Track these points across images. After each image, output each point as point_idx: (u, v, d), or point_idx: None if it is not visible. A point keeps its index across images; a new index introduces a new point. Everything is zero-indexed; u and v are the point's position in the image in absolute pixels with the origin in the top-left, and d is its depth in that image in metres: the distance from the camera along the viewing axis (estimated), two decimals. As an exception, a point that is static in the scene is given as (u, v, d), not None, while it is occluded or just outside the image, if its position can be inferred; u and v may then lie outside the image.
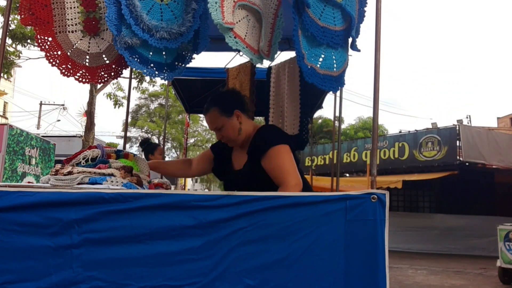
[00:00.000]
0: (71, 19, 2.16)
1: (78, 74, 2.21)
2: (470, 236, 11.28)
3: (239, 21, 1.91)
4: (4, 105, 31.55)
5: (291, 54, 3.75)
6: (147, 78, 12.15)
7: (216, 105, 2.19)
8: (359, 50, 2.10)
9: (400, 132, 13.83)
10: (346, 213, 1.60)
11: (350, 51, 2.13)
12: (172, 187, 4.12)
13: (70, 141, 14.25)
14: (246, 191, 2.02)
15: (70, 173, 1.87)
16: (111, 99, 12.41)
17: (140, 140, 5.29)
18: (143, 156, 4.66)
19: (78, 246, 1.60)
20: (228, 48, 2.11)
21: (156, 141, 24.29)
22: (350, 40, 2.08)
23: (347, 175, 14.64)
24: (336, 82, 2.04)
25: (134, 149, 26.52)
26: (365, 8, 2.15)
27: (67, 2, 2.15)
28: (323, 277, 1.58)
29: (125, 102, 12.04)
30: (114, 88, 12.46)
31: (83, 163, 1.99)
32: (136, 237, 1.60)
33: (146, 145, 4.78)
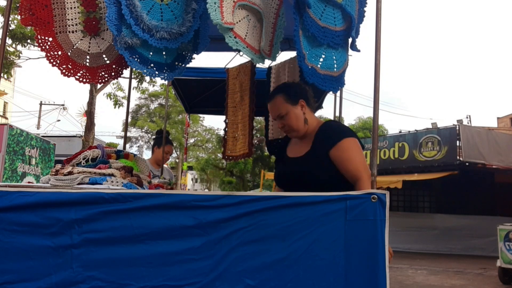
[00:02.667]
0: (72, 19, 2.16)
1: (78, 74, 2.21)
2: (470, 236, 11.28)
3: (239, 21, 1.91)
4: (4, 105, 31.56)
5: (292, 54, 3.75)
6: (147, 78, 12.17)
7: (282, 92, 2.17)
8: (358, 50, 2.10)
9: (400, 132, 13.83)
10: (346, 213, 1.60)
11: (350, 51, 2.13)
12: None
13: (70, 141, 14.26)
14: (299, 179, 2.06)
15: (70, 173, 1.87)
16: (111, 99, 12.42)
17: (157, 131, 5.09)
18: (151, 145, 4.57)
19: (78, 246, 1.60)
20: (228, 48, 2.12)
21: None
22: (350, 40, 2.08)
23: (347, 175, 14.60)
24: (336, 82, 2.04)
25: (134, 149, 26.53)
26: (365, 9, 2.15)
27: (67, 2, 2.15)
28: (323, 277, 1.58)
29: (125, 102, 12.04)
30: (114, 88, 12.47)
31: (83, 163, 1.99)
32: (136, 237, 1.60)
33: (160, 136, 4.59)
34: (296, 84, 2.32)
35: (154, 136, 4.82)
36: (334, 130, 2.08)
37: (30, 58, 11.85)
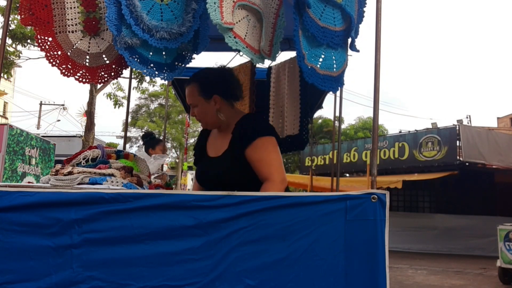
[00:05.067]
0: (71, 19, 2.16)
1: (78, 74, 2.21)
2: (470, 236, 11.27)
3: (239, 21, 1.91)
4: (4, 105, 31.56)
5: (292, 54, 3.75)
6: (147, 78, 12.16)
7: (198, 82, 2.12)
8: (358, 51, 2.10)
9: (400, 132, 13.84)
10: (346, 213, 1.60)
11: (350, 51, 2.13)
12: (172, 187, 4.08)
13: (70, 141, 14.29)
14: (218, 180, 2.02)
15: (70, 173, 1.87)
16: (111, 99, 12.42)
17: (142, 135, 5.20)
18: (143, 150, 4.59)
19: (78, 246, 1.60)
20: (228, 48, 2.12)
21: (156, 141, 24.18)
22: (349, 40, 2.08)
23: (347, 175, 14.64)
24: (336, 82, 2.04)
25: (134, 149, 26.53)
26: (364, 9, 2.15)
27: (67, 2, 2.15)
28: (323, 277, 1.58)
29: (125, 102, 12.04)
30: (114, 88, 12.47)
31: (83, 163, 1.99)
32: (136, 237, 1.60)
33: (148, 139, 4.67)
34: (215, 75, 2.19)
35: (142, 143, 4.81)
36: (252, 126, 2.02)
37: (30, 58, 11.85)
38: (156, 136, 4.85)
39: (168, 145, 26.47)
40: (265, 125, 2.10)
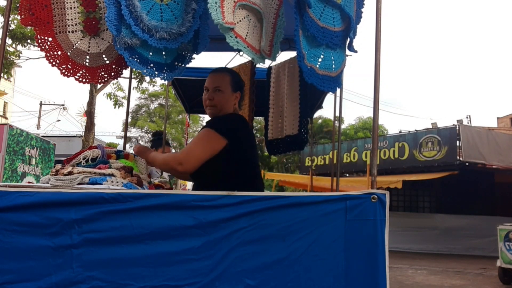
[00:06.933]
0: (71, 19, 2.16)
1: (78, 74, 2.21)
2: (470, 236, 11.26)
3: (240, 21, 1.91)
4: (4, 105, 31.56)
5: (291, 54, 3.75)
6: (147, 78, 12.14)
7: (232, 75, 2.35)
8: (356, 51, 2.11)
9: (400, 132, 13.83)
10: (346, 213, 1.60)
11: (348, 52, 2.13)
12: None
13: (70, 141, 14.28)
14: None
15: (70, 173, 1.87)
16: (111, 99, 12.40)
17: (153, 133, 5.28)
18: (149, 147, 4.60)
19: (78, 246, 1.60)
20: (228, 48, 2.12)
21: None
22: (347, 41, 2.08)
23: (347, 175, 14.63)
24: (334, 83, 2.04)
25: (134, 149, 26.43)
26: (362, 9, 2.15)
27: (67, 2, 2.15)
28: (323, 277, 1.59)
29: (125, 102, 12.03)
30: (114, 88, 12.45)
31: (83, 163, 1.99)
32: (136, 237, 1.60)
33: (157, 138, 4.72)
34: (242, 79, 2.51)
35: (151, 139, 4.86)
36: (211, 120, 2.25)
37: (30, 58, 11.83)
38: (168, 139, 4.89)
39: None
40: (220, 120, 2.22)
